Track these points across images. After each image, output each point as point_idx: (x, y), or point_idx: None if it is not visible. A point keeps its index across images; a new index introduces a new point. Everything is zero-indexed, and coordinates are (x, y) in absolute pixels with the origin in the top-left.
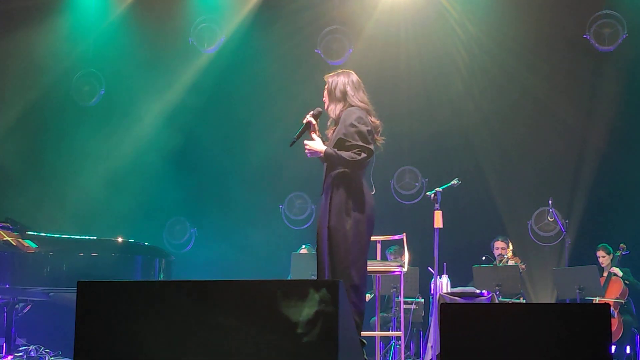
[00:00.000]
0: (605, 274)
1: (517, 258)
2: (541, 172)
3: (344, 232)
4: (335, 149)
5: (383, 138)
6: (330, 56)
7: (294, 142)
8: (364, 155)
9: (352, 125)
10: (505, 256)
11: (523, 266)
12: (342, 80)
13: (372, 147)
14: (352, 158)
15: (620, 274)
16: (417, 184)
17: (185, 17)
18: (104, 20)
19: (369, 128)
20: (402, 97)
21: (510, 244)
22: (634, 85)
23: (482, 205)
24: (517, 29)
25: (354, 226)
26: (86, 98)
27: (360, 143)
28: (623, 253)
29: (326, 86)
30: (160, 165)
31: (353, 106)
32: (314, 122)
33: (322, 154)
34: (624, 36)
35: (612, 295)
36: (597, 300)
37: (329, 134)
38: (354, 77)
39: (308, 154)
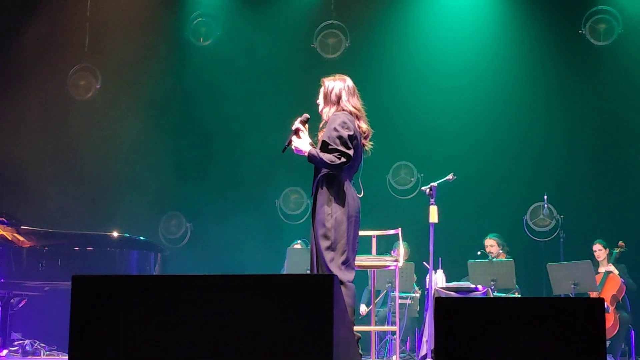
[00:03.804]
0: (600, 270)
1: (505, 256)
2: (536, 167)
3: (325, 231)
4: (319, 151)
5: (371, 143)
6: (326, 51)
7: (285, 148)
8: (343, 159)
9: (335, 129)
10: (496, 254)
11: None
12: (339, 85)
13: (351, 152)
14: (332, 162)
15: (616, 272)
16: (412, 178)
17: (182, 11)
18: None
19: (352, 133)
20: (398, 92)
21: (498, 241)
22: (629, 81)
23: (478, 200)
24: (512, 25)
25: (335, 226)
26: (82, 93)
27: (341, 148)
28: (621, 251)
29: (322, 89)
30: (155, 159)
31: (344, 111)
32: (302, 128)
33: (306, 154)
34: (619, 31)
35: (610, 292)
36: (595, 295)
37: (319, 136)
38: (350, 82)
39: (294, 150)
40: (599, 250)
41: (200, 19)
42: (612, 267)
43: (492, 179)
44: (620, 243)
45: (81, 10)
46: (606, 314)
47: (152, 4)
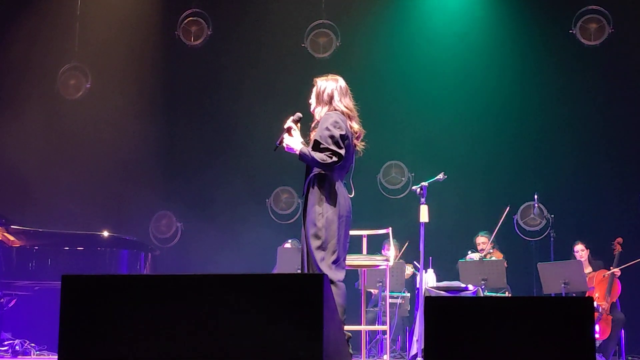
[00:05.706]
0: (587, 270)
1: (500, 254)
2: (527, 166)
3: (315, 231)
4: (310, 150)
5: (363, 143)
6: (317, 50)
7: (276, 147)
8: (334, 159)
9: (327, 129)
10: (489, 252)
11: (504, 263)
12: (331, 85)
13: (343, 152)
14: (323, 160)
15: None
16: (403, 178)
17: (172, 10)
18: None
19: (344, 133)
20: (389, 91)
21: (489, 238)
22: (619, 81)
23: (468, 199)
24: (503, 24)
25: (326, 225)
26: (72, 92)
27: (332, 147)
28: (620, 251)
29: (315, 88)
30: (146, 158)
31: (336, 110)
32: (294, 127)
33: (297, 152)
34: (610, 31)
35: (615, 297)
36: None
37: (311, 136)
38: (342, 83)
39: (285, 148)
40: (582, 251)
41: (190, 18)
42: (618, 272)
43: (482, 179)
44: (619, 239)
45: (71, 10)
46: (605, 316)
47: (142, 3)
